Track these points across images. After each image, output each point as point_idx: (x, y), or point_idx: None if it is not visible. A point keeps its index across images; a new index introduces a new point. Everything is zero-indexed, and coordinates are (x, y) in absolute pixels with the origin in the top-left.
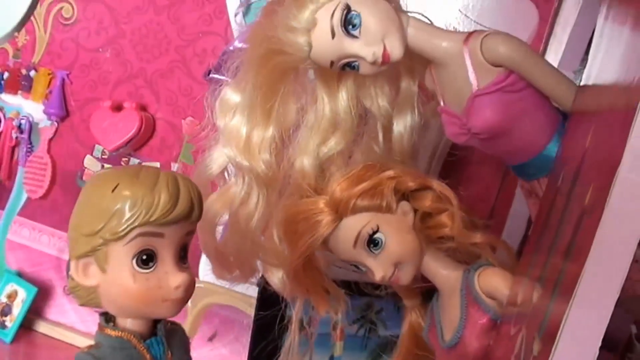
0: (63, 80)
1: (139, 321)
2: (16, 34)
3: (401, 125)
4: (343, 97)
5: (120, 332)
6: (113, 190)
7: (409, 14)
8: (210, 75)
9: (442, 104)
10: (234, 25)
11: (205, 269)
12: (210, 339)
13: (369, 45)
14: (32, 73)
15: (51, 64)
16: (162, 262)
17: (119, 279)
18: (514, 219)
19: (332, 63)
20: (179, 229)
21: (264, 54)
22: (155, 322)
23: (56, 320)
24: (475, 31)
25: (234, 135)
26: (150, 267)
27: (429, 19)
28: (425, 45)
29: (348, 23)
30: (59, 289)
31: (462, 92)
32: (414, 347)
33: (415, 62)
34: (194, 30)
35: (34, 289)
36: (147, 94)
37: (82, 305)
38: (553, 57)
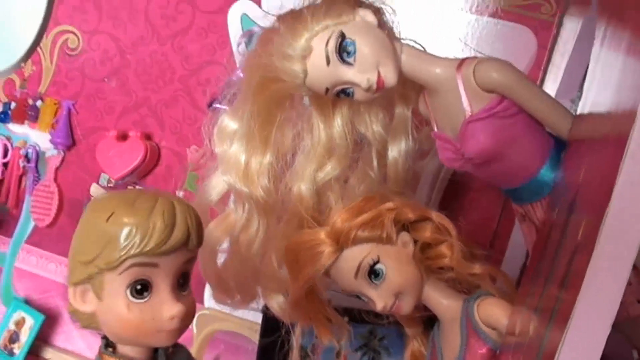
0: (69, 109)
1: (139, 348)
2: (23, 64)
3: (395, 150)
4: (338, 123)
5: (116, 359)
6: (108, 219)
7: (402, 41)
8: (214, 105)
9: (435, 129)
10: (237, 56)
11: (210, 295)
12: None
13: (363, 72)
14: (39, 103)
15: (57, 94)
16: (157, 292)
17: (114, 307)
18: (513, 248)
19: (327, 90)
20: (176, 258)
21: (260, 82)
22: (157, 347)
23: (63, 347)
24: (467, 57)
25: (233, 163)
26: (145, 297)
27: (422, 46)
28: (419, 72)
29: (343, 50)
30: (66, 315)
31: (456, 118)
32: None
33: (409, 88)
34: (198, 61)
35: (42, 316)
36: (152, 123)
37: (83, 327)
38: (552, 84)
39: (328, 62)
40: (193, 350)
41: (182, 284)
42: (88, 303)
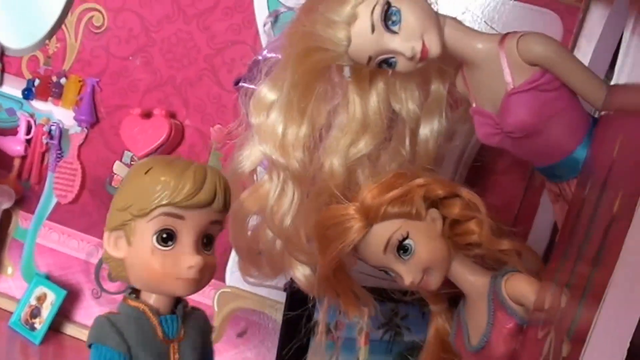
0: (93, 87)
1: (160, 297)
2: (47, 41)
3: (427, 128)
4: (374, 99)
5: (138, 303)
6: (146, 172)
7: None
8: (240, 84)
9: (474, 106)
10: (262, 35)
11: (231, 274)
12: (240, 334)
13: (407, 40)
14: (63, 80)
15: (81, 72)
16: (180, 243)
17: (141, 252)
18: (538, 229)
19: (369, 59)
20: (201, 215)
21: (302, 51)
22: (177, 303)
23: (84, 322)
24: (509, 32)
25: (270, 133)
26: (169, 246)
27: (461, 22)
28: (461, 45)
29: (388, 18)
30: (87, 292)
31: (496, 92)
32: (440, 351)
33: (447, 64)
34: (223, 40)
35: (63, 292)
36: (176, 101)
37: (113, 278)
38: None
39: (373, 30)
40: (214, 328)
41: (206, 244)
42: (119, 249)
